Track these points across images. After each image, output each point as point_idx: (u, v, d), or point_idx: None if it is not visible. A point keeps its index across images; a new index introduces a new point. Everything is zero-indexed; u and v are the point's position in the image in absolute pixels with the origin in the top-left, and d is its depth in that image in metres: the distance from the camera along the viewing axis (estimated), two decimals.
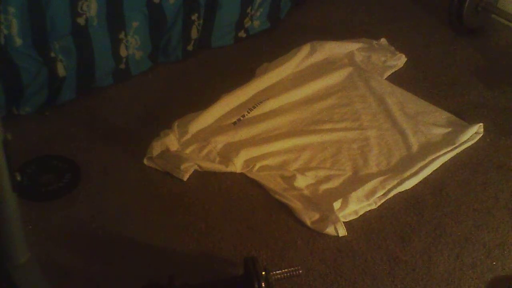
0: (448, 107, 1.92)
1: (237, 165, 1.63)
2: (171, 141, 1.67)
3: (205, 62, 2.09)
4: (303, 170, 1.64)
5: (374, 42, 2.20)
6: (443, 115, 1.87)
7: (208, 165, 1.64)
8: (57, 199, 1.54)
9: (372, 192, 1.57)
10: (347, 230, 1.48)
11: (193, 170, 1.62)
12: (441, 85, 2.05)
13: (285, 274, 1.28)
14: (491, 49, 2.28)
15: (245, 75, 1.97)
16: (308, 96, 1.92)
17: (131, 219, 1.50)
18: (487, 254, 1.47)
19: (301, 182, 1.60)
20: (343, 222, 1.50)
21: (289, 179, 1.61)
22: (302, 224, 1.51)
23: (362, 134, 1.78)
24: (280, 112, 1.83)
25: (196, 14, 1.97)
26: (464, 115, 1.89)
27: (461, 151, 1.75)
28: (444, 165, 1.70)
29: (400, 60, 2.12)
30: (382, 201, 1.57)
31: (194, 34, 2.02)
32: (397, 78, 2.05)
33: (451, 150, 1.73)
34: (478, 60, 2.19)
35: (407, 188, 1.62)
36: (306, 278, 1.37)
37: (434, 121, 1.85)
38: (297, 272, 1.29)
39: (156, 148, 1.65)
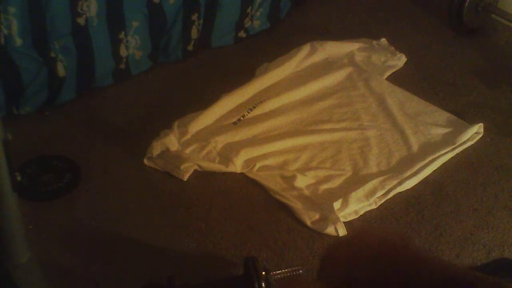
0: (448, 107, 1.92)
1: (237, 165, 1.63)
2: (171, 141, 1.67)
3: (205, 62, 2.09)
4: (303, 170, 1.64)
5: (374, 42, 2.20)
6: (443, 115, 1.87)
7: (208, 165, 1.64)
8: (57, 199, 1.54)
9: (372, 192, 1.57)
10: (347, 230, 1.48)
11: (193, 170, 1.62)
12: (441, 85, 2.05)
13: (285, 274, 1.28)
14: (491, 49, 2.28)
15: (245, 75, 1.97)
16: (308, 96, 1.92)
17: (131, 219, 1.50)
18: (487, 254, 1.47)
19: (301, 182, 1.60)
20: (343, 222, 1.50)
21: (289, 179, 1.61)
22: (302, 224, 1.51)
23: (362, 134, 1.78)
24: (280, 112, 1.83)
25: (196, 14, 1.97)
26: (464, 115, 1.89)
27: (461, 151, 1.75)
28: (444, 165, 1.70)
29: (400, 60, 2.12)
30: (382, 201, 1.57)
31: (194, 34, 2.02)
32: (397, 78, 2.05)
33: (451, 150, 1.73)
34: (478, 60, 2.19)
35: (407, 188, 1.62)
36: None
37: (434, 121, 1.85)
38: (297, 272, 1.29)
39: (156, 148, 1.65)
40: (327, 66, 2.05)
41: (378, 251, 0.65)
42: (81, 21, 1.70)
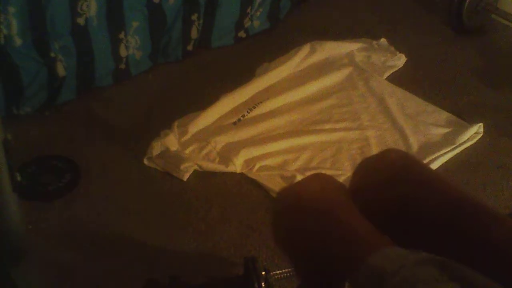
0: (448, 107, 1.92)
1: (237, 165, 1.63)
2: (171, 141, 1.67)
3: (205, 62, 2.08)
4: (303, 170, 1.64)
5: (374, 42, 2.20)
6: (443, 115, 1.87)
7: (208, 165, 1.64)
8: (57, 199, 1.54)
9: None
10: None
11: (193, 170, 1.62)
12: (441, 85, 2.05)
13: (285, 274, 1.28)
14: (491, 49, 2.28)
15: (245, 75, 1.97)
16: (308, 96, 1.92)
17: (131, 219, 1.50)
18: None
19: None
20: None
21: (289, 179, 1.61)
22: None
23: (362, 134, 1.78)
24: (280, 112, 1.83)
25: (196, 14, 1.97)
26: (464, 115, 1.89)
27: (461, 151, 1.75)
28: (444, 165, 1.70)
29: (400, 60, 2.12)
30: None
31: (194, 34, 2.02)
32: (397, 78, 2.05)
33: (451, 150, 1.73)
34: (478, 60, 2.19)
35: None
36: None
37: (434, 121, 1.85)
38: None
39: (156, 148, 1.65)
40: (327, 66, 2.05)
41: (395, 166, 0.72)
42: (81, 21, 1.70)
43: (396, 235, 0.61)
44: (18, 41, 1.61)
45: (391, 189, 0.70)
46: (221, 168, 1.63)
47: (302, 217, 0.66)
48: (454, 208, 0.67)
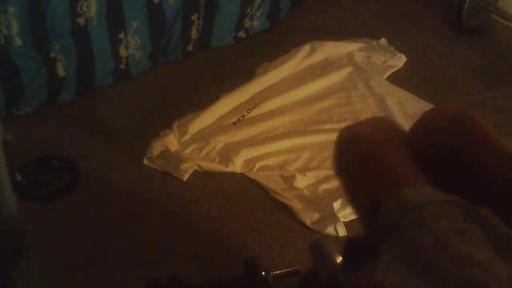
0: None
1: (237, 165, 1.63)
2: (171, 141, 1.67)
3: (205, 62, 2.08)
4: (303, 170, 1.64)
5: (374, 42, 2.20)
6: None
7: (208, 165, 1.64)
8: (57, 199, 1.54)
9: None
10: (347, 230, 1.48)
11: (193, 170, 1.62)
12: (441, 85, 2.05)
13: (285, 274, 1.28)
14: (491, 49, 2.28)
15: (245, 75, 1.97)
16: (308, 96, 1.92)
17: (131, 219, 1.50)
18: None
19: (301, 182, 1.60)
20: (343, 222, 1.50)
21: (289, 179, 1.61)
22: (302, 224, 1.51)
23: None
24: (280, 112, 1.83)
25: (196, 14, 1.97)
26: None
27: None
28: None
29: (400, 60, 2.12)
30: None
31: (194, 34, 2.02)
32: (397, 78, 2.05)
33: None
34: (478, 60, 2.19)
35: None
36: None
37: None
38: (297, 272, 1.29)
39: (156, 148, 1.65)
40: (327, 66, 2.05)
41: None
42: (81, 21, 1.70)
43: (439, 181, 0.64)
44: (18, 41, 1.61)
45: (446, 146, 0.75)
46: (221, 168, 1.63)
47: (357, 148, 0.76)
48: (505, 168, 0.70)
